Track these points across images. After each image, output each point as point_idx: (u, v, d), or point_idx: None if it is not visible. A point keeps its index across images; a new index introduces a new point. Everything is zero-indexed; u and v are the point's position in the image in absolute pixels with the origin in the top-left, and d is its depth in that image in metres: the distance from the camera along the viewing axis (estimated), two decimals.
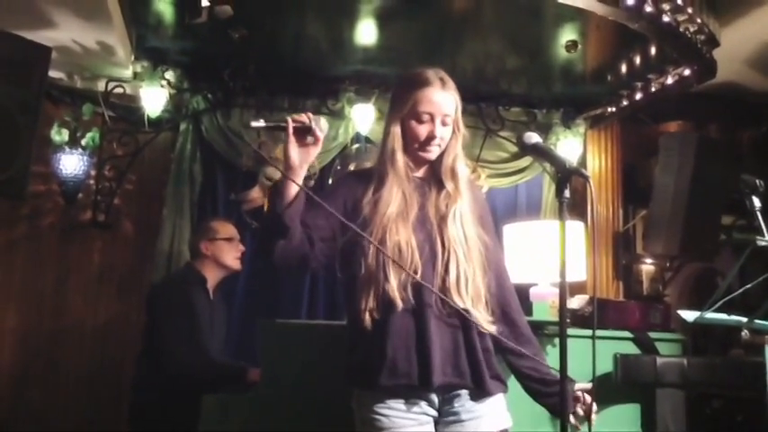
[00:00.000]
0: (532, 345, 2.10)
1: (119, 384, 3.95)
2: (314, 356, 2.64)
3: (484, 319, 1.96)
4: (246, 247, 4.08)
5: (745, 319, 2.46)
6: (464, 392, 1.96)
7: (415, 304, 1.92)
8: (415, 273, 1.90)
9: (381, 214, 1.95)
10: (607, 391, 2.89)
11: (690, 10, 3.24)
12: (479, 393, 1.96)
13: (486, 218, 2.13)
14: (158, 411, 3.08)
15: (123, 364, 3.99)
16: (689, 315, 2.46)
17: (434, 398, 1.95)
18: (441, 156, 2.05)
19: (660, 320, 3.21)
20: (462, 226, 2.01)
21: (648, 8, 3.14)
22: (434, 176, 2.08)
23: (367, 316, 1.90)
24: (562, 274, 1.70)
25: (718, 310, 2.40)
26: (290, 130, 1.85)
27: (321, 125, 1.88)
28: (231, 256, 3.43)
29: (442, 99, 2.00)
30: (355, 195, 2.02)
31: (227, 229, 3.47)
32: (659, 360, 2.97)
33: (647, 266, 4.64)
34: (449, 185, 2.04)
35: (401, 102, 2.02)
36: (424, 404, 1.94)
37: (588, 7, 3.11)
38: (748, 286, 2.45)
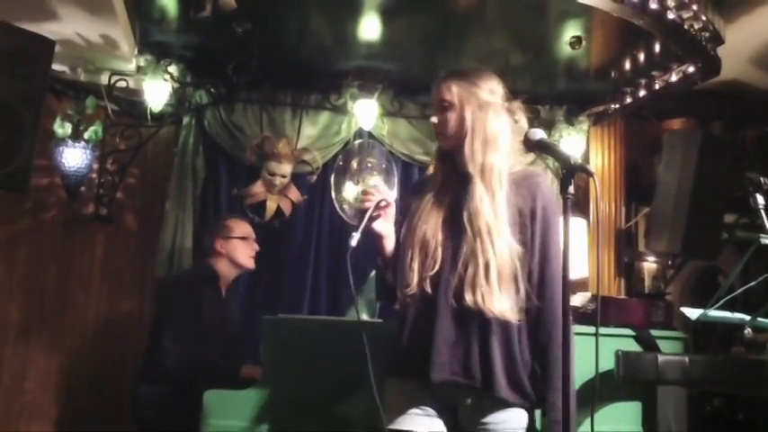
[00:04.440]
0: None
1: (121, 378, 3.96)
2: (315, 352, 2.64)
3: (509, 308, 1.85)
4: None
5: (747, 318, 2.45)
6: (472, 400, 1.90)
7: (431, 297, 1.91)
8: (434, 265, 1.90)
9: (416, 206, 2.00)
10: (608, 388, 2.89)
11: (695, 7, 3.24)
12: (490, 399, 1.87)
13: (526, 207, 1.97)
14: (160, 406, 3.09)
15: (125, 357, 4.00)
16: (692, 313, 2.45)
17: (442, 396, 1.92)
18: (462, 145, 1.99)
19: (662, 318, 3.20)
20: (489, 215, 1.89)
21: (653, 5, 3.13)
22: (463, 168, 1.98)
23: (398, 305, 1.97)
24: (565, 271, 1.69)
25: (720, 309, 2.40)
26: (378, 213, 1.97)
27: (382, 189, 2.00)
28: (246, 254, 3.44)
29: (438, 87, 2.08)
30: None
31: (242, 227, 3.49)
32: (661, 358, 2.96)
33: (650, 264, 4.63)
34: (475, 176, 1.93)
35: None
36: (429, 401, 1.93)
37: (593, 3, 3.12)
38: (751, 284, 2.44)
